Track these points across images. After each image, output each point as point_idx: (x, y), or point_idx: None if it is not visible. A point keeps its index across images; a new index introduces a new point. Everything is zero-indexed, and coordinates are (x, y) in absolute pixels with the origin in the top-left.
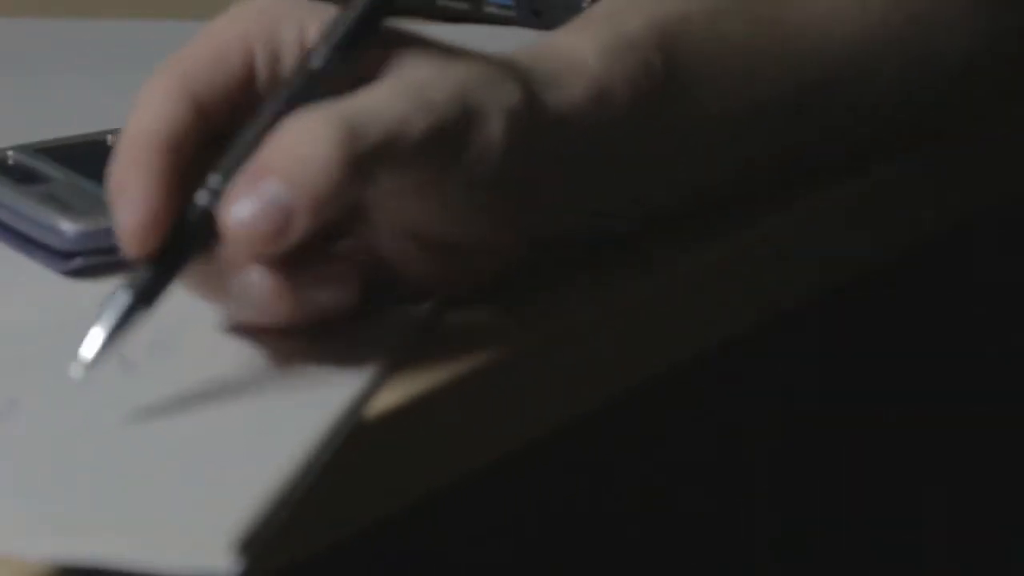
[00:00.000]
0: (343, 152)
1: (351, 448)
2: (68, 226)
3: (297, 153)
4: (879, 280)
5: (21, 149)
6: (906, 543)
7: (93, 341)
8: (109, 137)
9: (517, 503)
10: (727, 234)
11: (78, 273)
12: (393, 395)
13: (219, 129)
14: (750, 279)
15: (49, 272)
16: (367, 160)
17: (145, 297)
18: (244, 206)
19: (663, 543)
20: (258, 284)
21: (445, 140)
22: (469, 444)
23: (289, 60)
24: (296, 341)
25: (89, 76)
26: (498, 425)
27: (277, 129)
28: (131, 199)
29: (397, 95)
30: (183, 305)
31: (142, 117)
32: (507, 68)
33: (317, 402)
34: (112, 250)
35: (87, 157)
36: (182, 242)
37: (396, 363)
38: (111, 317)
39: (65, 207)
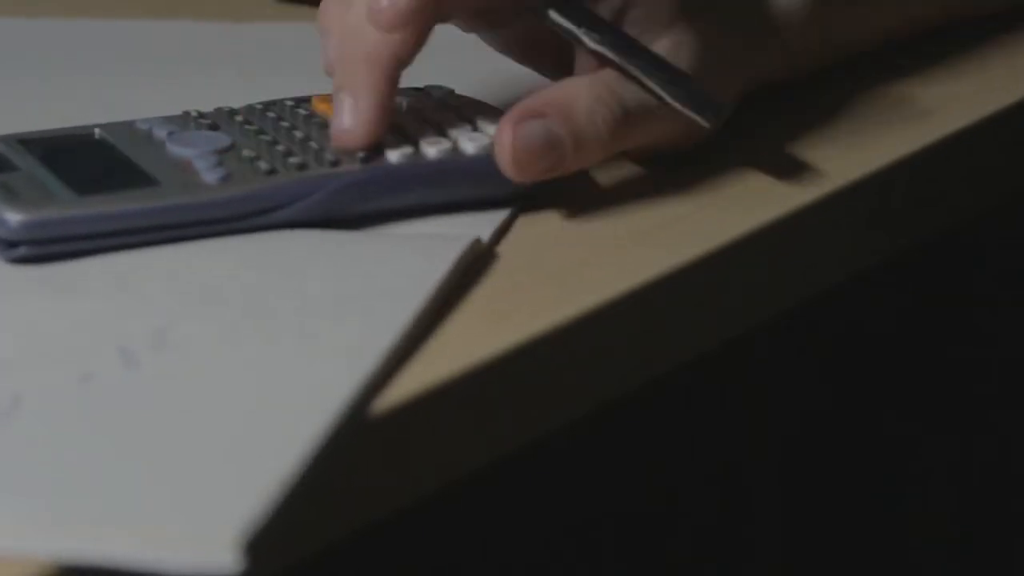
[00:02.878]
0: (616, 131)
1: (352, 448)
2: (12, 216)
3: (585, 117)
4: (880, 280)
5: (3, 139)
6: (908, 544)
7: None
8: (97, 131)
9: (517, 503)
10: (727, 234)
11: (23, 261)
12: (394, 395)
13: None
14: (750, 280)
15: None
16: (628, 137)
17: None
18: (531, 130)
19: (663, 543)
20: None
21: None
22: (469, 444)
23: None
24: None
25: (91, 76)
26: (497, 426)
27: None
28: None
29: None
30: (186, 293)
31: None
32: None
33: (319, 401)
34: (56, 240)
35: (64, 151)
36: None
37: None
38: None
39: (14, 197)
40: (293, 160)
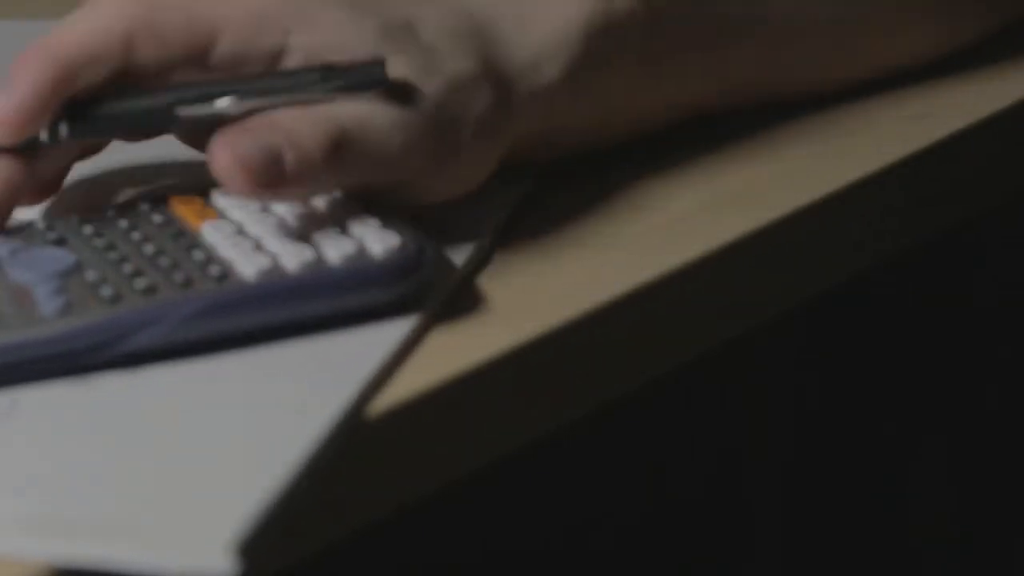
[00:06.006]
0: (332, 142)
1: (351, 448)
2: None
3: (296, 126)
4: (879, 281)
5: None
6: (908, 544)
7: None
8: None
9: (517, 503)
10: (727, 234)
11: None
12: (393, 395)
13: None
14: (749, 280)
15: None
16: (351, 153)
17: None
18: (248, 141)
19: (663, 543)
20: None
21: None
22: (468, 444)
23: (178, 43)
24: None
25: None
26: (496, 426)
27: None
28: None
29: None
30: None
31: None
32: (480, 67)
33: (316, 402)
34: None
35: None
36: None
37: (390, 369)
38: None
39: None
40: (140, 283)
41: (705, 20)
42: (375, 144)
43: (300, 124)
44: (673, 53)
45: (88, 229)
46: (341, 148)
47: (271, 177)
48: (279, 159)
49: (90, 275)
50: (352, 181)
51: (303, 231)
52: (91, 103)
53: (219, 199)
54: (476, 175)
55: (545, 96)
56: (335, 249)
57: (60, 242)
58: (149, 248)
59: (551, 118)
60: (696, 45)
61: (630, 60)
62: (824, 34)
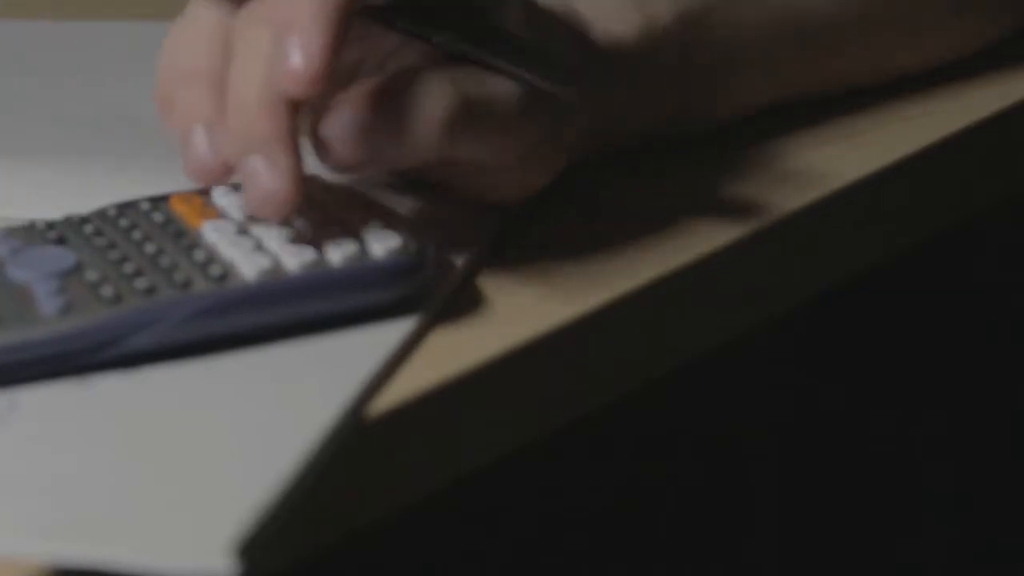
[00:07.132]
0: (451, 116)
1: (351, 448)
2: None
3: (415, 105)
4: (878, 281)
5: None
6: (908, 545)
7: None
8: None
9: (517, 503)
10: (727, 234)
11: None
12: (393, 395)
13: None
14: (750, 280)
15: None
16: (466, 128)
17: None
18: (350, 119)
19: (663, 543)
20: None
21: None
22: (468, 444)
23: None
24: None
25: (90, 75)
26: (495, 427)
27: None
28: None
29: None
30: None
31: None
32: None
33: (316, 402)
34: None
35: None
36: None
37: (383, 375)
38: None
39: None
40: (140, 283)
41: (744, 30)
42: (493, 134)
43: (422, 92)
44: (707, 68)
45: (88, 228)
46: (462, 120)
47: (373, 160)
48: (384, 144)
49: (90, 275)
50: (467, 151)
51: (304, 231)
52: None
53: (220, 198)
54: (556, 167)
55: (598, 99)
56: (336, 250)
57: (60, 241)
58: (150, 247)
59: (602, 121)
60: (734, 56)
61: (664, 72)
62: (858, 35)
